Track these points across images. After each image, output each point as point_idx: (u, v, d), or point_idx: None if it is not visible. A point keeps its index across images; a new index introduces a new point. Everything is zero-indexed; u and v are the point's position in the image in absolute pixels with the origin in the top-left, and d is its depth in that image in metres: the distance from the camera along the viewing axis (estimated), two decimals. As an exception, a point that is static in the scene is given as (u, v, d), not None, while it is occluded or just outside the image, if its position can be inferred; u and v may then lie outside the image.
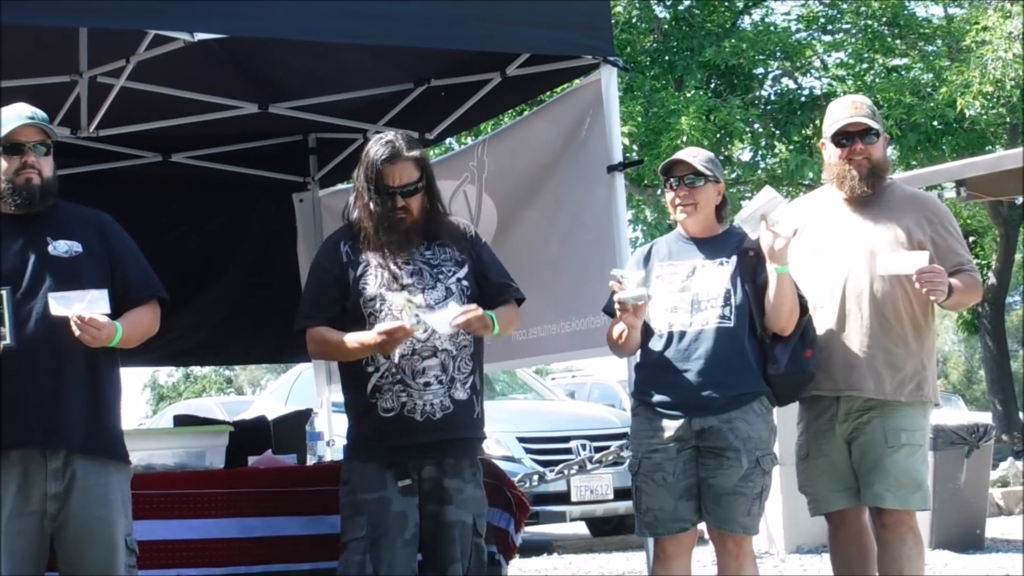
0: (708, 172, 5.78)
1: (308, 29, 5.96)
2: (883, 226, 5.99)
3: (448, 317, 5.27)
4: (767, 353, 5.74)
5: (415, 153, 5.48)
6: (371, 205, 5.46)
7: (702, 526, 5.86)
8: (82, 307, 4.86)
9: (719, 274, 5.74)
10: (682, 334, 5.71)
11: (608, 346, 6.01)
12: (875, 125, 6.03)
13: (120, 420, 5.27)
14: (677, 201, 5.85)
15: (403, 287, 5.40)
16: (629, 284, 5.59)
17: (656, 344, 5.77)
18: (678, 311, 5.74)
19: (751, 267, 5.73)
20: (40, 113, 5.15)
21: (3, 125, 5.08)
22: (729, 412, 5.64)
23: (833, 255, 6.01)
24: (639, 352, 5.90)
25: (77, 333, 4.85)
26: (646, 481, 5.78)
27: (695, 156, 5.84)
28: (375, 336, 5.25)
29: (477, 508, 5.56)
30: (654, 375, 5.77)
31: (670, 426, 5.70)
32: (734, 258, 5.77)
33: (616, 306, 5.65)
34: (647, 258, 5.94)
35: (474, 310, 5.30)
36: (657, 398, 5.75)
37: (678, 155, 5.89)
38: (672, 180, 5.86)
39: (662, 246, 5.97)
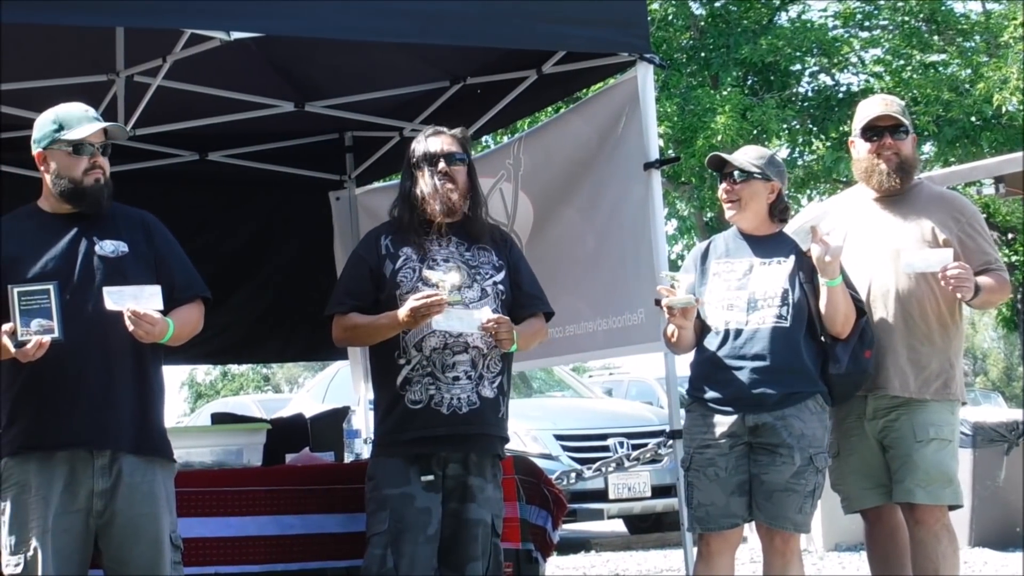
0: (755, 170, 5.78)
1: (344, 28, 5.97)
2: (910, 225, 5.98)
3: (480, 317, 5.34)
4: (828, 353, 5.74)
5: (457, 131, 5.70)
6: (417, 176, 5.61)
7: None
8: (136, 302, 4.88)
9: (777, 273, 5.74)
10: (738, 332, 5.71)
11: (665, 344, 6.02)
12: (905, 121, 6.04)
13: (164, 418, 5.29)
14: (723, 196, 5.89)
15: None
16: (679, 289, 5.61)
17: (712, 341, 5.78)
18: (734, 309, 5.74)
19: (810, 267, 5.72)
20: (94, 112, 5.18)
21: (74, 125, 5.08)
22: (783, 409, 5.64)
23: (859, 254, 5.99)
24: (695, 349, 5.91)
25: (131, 328, 4.86)
26: (698, 476, 5.78)
27: (745, 153, 5.89)
28: (410, 302, 5.31)
29: (496, 508, 5.61)
30: (709, 372, 5.78)
31: (723, 422, 5.71)
32: (792, 257, 5.77)
33: (664, 310, 5.66)
34: (705, 255, 5.96)
35: (506, 320, 5.41)
36: (711, 394, 5.76)
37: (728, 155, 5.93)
38: (722, 176, 5.89)
39: (720, 243, 5.98)
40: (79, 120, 5.09)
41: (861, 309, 5.78)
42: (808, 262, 5.72)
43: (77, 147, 5.07)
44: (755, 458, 5.70)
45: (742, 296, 5.75)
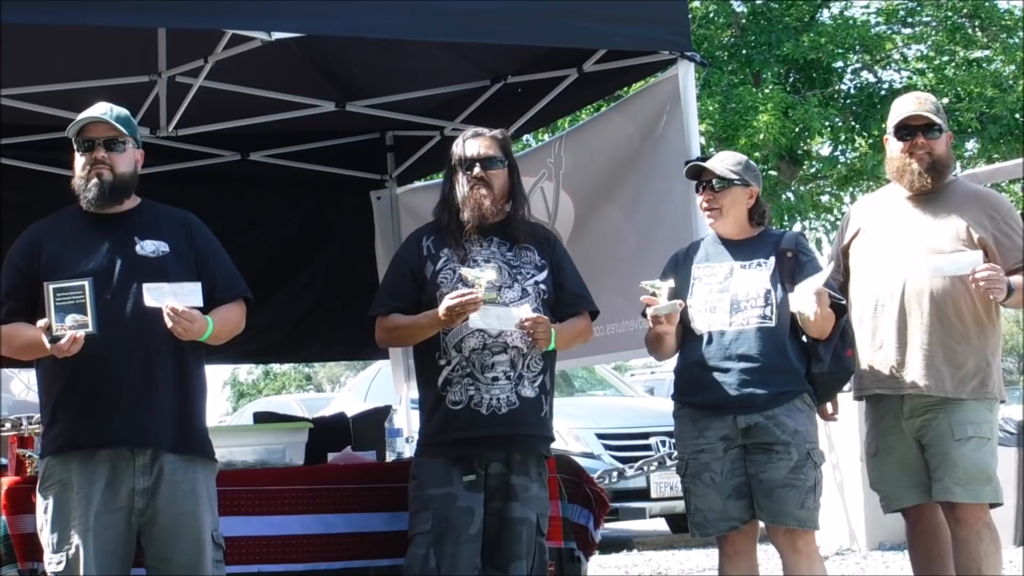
0: (734, 176, 5.80)
1: (386, 27, 5.99)
2: (944, 223, 5.95)
3: (518, 315, 5.34)
4: (812, 353, 5.75)
5: (497, 133, 5.69)
6: (455, 180, 5.63)
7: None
8: (175, 299, 4.89)
9: (758, 275, 5.76)
10: (722, 334, 5.72)
11: (647, 350, 6.03)
12: (938, 120, 6.01)
13: (206, 417, 5.31)
14: (704, 205, 5.90)
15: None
16: (661, 296, 5.60)
17: (696, 345, 5.79)
18: (717, 312, 5.76)
19: (790, 268, 5.73)
20: (117, 110, 5.17)
21: (75, 122, 5.13)
22: (773, 409, 5.64)
23: (893, 253, 5.99)
24: (678, 354, 5.92)
25: (170, 325, 4.87)
26: (694, 482, 5.81)
27: (721, 161, 5.89)
28: (446, 300, 5.32)
29: (541, 507, 5.62)
30: (696, 375, 5.79)
31: (715, 425, 5.72)
32: (772, 259, 5.78)
33: (649, 319, 5.66)
34: (685, 259, 5.96)
35: (544, 319, 5.41)
36: (700, 398, 5.77)
37: (706, 162, 5.92)
38: (700, 184, 5.90)
39: (699, 248, 5.98)
40: (80, 117, 5.13)
41: (842, 308, 5.78)
42: (787, 263, 5.73)
43: (80, 144, 5.11)
44: (751, 458, 5.69)
45: (724, 299, 5.76)
